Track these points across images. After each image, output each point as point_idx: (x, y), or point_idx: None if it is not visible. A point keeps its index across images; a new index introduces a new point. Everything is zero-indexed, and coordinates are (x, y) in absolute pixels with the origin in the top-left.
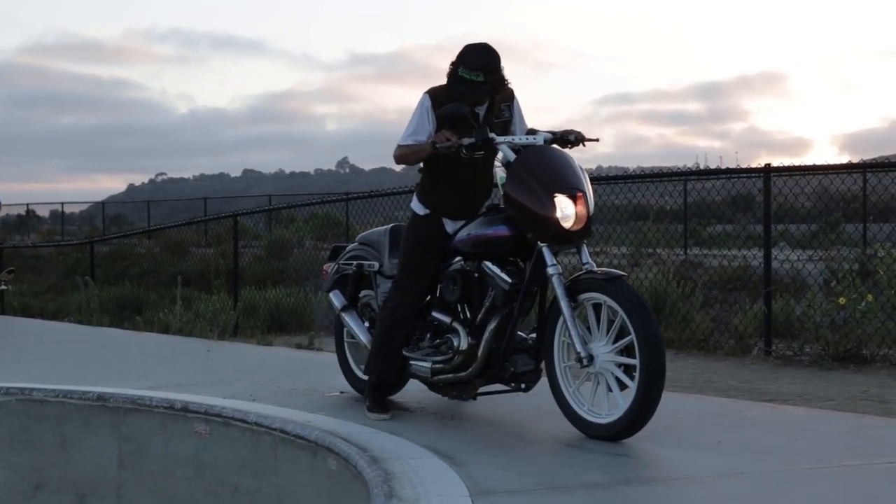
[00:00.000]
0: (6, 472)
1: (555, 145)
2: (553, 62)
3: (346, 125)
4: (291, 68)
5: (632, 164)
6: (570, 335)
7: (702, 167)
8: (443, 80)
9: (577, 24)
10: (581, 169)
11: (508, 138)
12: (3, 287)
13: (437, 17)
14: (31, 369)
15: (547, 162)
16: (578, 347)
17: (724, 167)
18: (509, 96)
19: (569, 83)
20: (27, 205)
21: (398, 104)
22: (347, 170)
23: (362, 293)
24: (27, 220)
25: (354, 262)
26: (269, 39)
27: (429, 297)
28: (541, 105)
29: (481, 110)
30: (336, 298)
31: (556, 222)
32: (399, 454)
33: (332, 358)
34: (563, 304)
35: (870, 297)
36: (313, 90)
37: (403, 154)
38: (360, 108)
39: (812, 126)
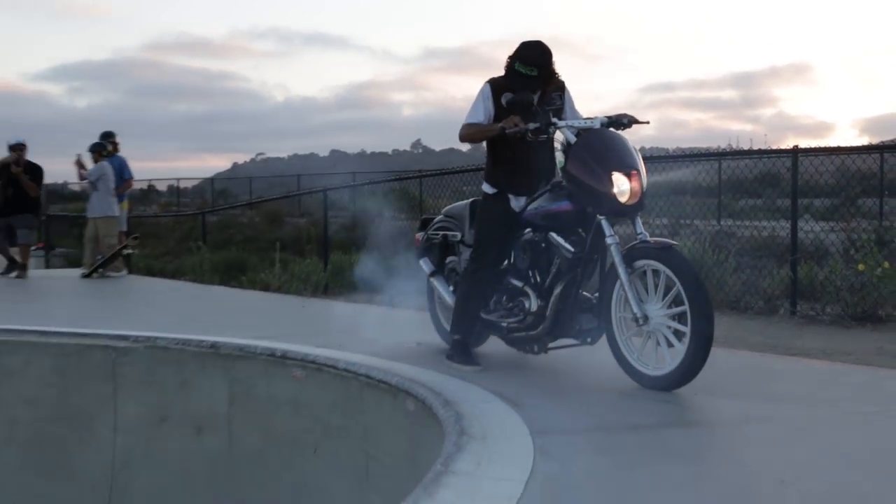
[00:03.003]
0: (137, 406)
1: (610, 128)
2: (603, 55)
3: (419, 111)
4: (373, 61)
5: (671, 146)
6: (626, 296)
7: (735, 148)
8: (502, 71)
9: (625, 21)
10: (635, 149)
11: (569, 122)
12: (129, 251)
13: (500, 16)
14: (156, 321)
15: (605, 143)
16: (635, 308)
17: (755, 148)
18: (560, 87)
19: (616, 73)
20: (149, 181)
21: (465, 93)
22: (420, 150)
23: (448, 259)
24: (149, 193)
25: (440, 233)
26: (354, 36)
27: (504, 264)
28: (591, 93)
29: (534, 98)
30: (425, 265)
31: (614, 197)
32: (469, 398)
33: (410, 314)
34: (621, 270)
35: (886, 264)
36: (391, 80)
37: (470, 133)
38: (432, 96)
39: (835, 111)
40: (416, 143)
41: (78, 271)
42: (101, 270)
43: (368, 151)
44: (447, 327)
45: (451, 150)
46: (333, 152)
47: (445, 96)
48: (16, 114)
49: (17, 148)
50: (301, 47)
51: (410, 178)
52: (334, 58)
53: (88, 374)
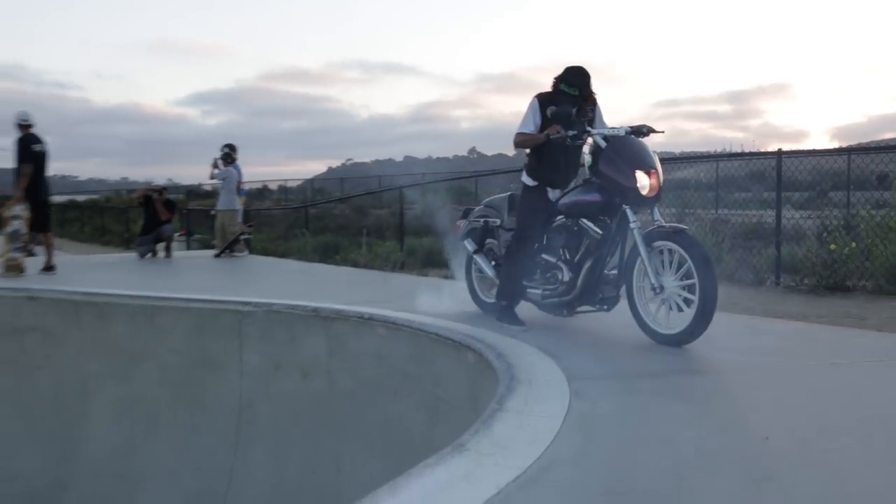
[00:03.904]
0: (258, 356)
1: (633, 136)
2: (621, 76)
3: (474, 124)
4: (437, 85)
5: (678, 150)
6: (646, 270)
7: (729, 151)
8: (543, 89)
9: (639, 49)
10: (653, 153)
11: (601, 130)
12: (247, 235)
13: (538, 46)
14: (271, 290)
15: (630, 147)
16: (653, 279)
17: (746, 151)
18: (593, 102)
19: (633, 91)
20: (263, 182)
21: (511, 109)
22: (475, 155)
23: (487, 241)
24: (263, 191)
25: (482, 219)
26: (422, 65)
27: (537, 245)
28: (613, 107)
29: (573, 111)
30: (469, 245)
31: (637, 190)
32: (517, 352)
33: (461, 284)
34: (642, 249)
35: (853, 245)
36: (452, 100)
37: (523, 140)
38: (484, 112)
39: (810, 121)
40: (472, 150)
41: (211, 252)
42: (227, 251)
43: (434, 157)
44: (482, 296)
45: (500, 155)
46: (407, 157)
47: (495, 112)
48: (163, 132)
49: (161, 187)
50: (381, 75)
51: (468, 177)
52: (407, 83)
53: (221, 331)
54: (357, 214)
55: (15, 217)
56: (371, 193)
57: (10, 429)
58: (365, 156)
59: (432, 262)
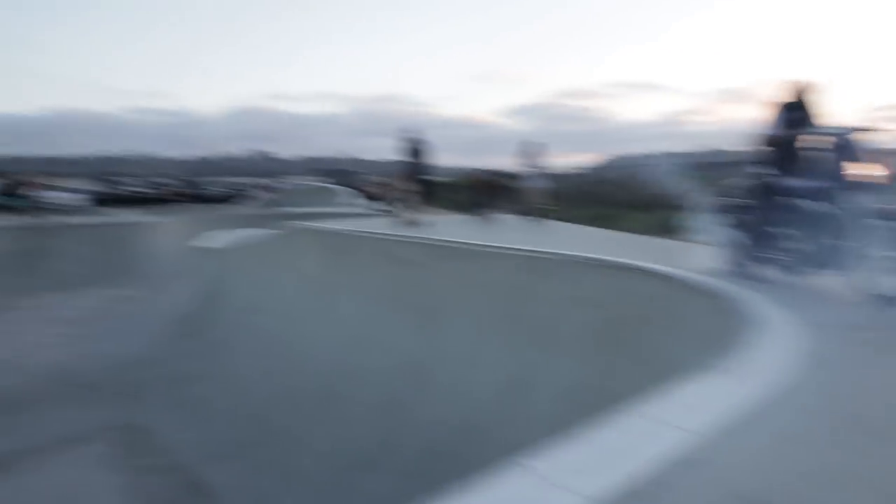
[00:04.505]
0: (552, 290)
1: (854, 133)
2: (840, 88)
3: (712, 127)
4: (682, 98)
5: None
6: (872, 243)
7: None
8: (770, 102)
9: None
10: (876, 147)
11: (826, 129)
12: (546, 206)
13: (764, 64)
14: (561, 245)
15: (851, 143)
16: (877, 251)
17: None
18: (819, 109)
19: (851, 100)
20: (555, 169)
21: (742, 116)
22: (714, 150)
23: (733, 216)
24: (555, 175)
25: (728, 199)
26: (669, 83)
27: (773, 220)
28: (834, 113)
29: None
30: (718, 219)
31: (858, 178)
32: (751, 299)
33: (711, 249)
34: (868, 226)
35: None
36: (694, 108)
37: (765, 138)
38: (719, 118)
39: None
40: (713, 147)
41: (521, 218)
42: (533, 217)
43: (682, 151)
44: (727, 258)
45: (735, 150)
46: (659, 152)
47: (727, 117)
48: (488, 134)
49: (490, 172)
50: (639, 91)
51: (712, 166)
52: (658, 97)
53: (528, 270)
54: (621, 192)
55: (410, 191)
56: (630, 178)
57: (395, 323)
58: (626, 150)
59: (681, 230)
